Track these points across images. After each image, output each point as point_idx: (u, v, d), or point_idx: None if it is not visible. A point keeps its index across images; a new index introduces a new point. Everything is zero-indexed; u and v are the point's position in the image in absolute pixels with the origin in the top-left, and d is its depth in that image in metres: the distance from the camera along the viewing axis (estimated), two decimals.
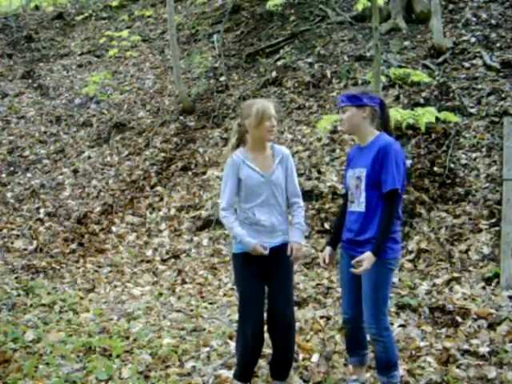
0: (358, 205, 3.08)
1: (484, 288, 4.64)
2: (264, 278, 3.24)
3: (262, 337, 3.24)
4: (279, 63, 9.09)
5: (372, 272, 3.00)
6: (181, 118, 8.92)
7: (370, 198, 3.04)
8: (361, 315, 3.25)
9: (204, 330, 4.39)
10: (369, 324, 3.07)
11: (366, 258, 2.93)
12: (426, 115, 5.38)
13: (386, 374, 3.14)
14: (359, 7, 6.46)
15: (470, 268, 4.94)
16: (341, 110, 3.21)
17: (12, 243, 6.90)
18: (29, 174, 8.59)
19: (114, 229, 7.05)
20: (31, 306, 5.03)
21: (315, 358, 3.78)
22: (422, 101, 6.92)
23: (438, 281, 4.82)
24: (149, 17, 12.64)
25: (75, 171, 8.41)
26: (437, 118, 5.76)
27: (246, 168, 3.20)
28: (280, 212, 3.25)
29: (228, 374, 3.63)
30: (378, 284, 3.04)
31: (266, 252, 3.13)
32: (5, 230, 7.20)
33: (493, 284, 4.67)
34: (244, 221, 3.23)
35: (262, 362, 3.56)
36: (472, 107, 6.71)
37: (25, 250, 6.75)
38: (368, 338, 3.36)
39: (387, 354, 3.09)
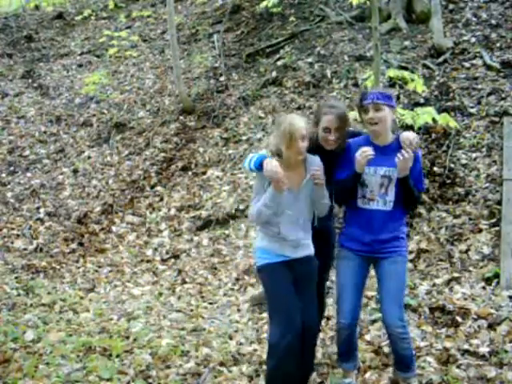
0: (385, 203, 3.11)
1: (484, 288, 4.64)
2: (293, 286, 3.13)
3: (298, 345, 3.03)
4: (279, 63, 9.09)
5: (400, 270, 3.11)
6: (181, 117, 8.92)
7: (398, 197, 3.10)
8: (357, 319, 3.25)
9: (204, 329, 4.40)
10: (396, 322, 3.05)
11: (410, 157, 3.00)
12: (423, 117, 5.37)
13: (411, 369, 3.20)
14: (354, 2, 6.47)
15: (470, 268, 4.94)
16: (372, 107, 3.08)
17: (12, 243, 6.90)
18: (29, 174, 8.59)
19: (114, 229, 7.05)
20: (31, 305, 5.03)
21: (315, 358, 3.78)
22: (422, 101, 6.92)
23: (438, 281, 4.82)
24: (148, 17, 12.62)
25: (75, 171, 8.41)
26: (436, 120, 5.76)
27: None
28: (304, 227, 3.18)
29: (228, 374, 3.64)
30: (404, 282, 3.17)
31: (279, 172, 2.97)
32: (5, 230, 7.19)
33: (493, 284, 4.66)
34: (268, 232, 3.17)
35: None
36: (472, 107, 6.71)
37: (25, 249, 6.75)
38: (362, 339, 3.36)
39: (411, 350, 3.15)
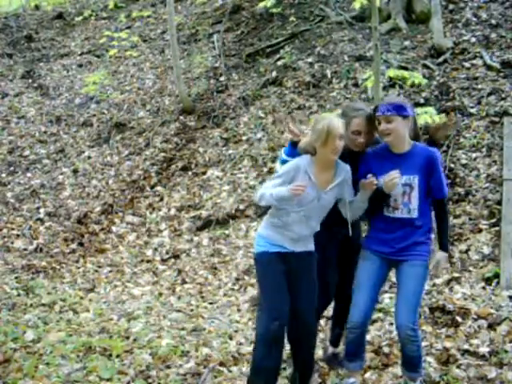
0: (409, 211, 3.13)
1: (484, 288, 4.64)
2: (287, 280, 3.14)
3: (283, 337, 3.10)
4: (279, 63, 9.09)
5: (422, 274, 3.13)
6: (181, 117, 8.92)
7: (421, 204, 3.13)
8: (369, 320, 3.26)
9: (204, 329, 4.39)
10: (408, 324, 3.05)
11: (442, 258, 3.17)
12: (423, 116, 5.39)
13: (418, 370, 3.21)
14: (356, 5, 6.48)
15: (470, 268, 4.94)
16: (383, 119, 3.11)
17: (12, 243, 6.90)
18: (29, 174, 8.59)
19: (114, 229, 7.05)
20: (31, 305, 5.02)
21: (316, 358, 3.78)
22: (422, 101, 6.92)
23: (438, 281, 4.82)
24: (148, 17, 12.61)
25: (75, 171, 8.41)
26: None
27: (306, 177, 3.08)
28: (311, 226, 3.18)
29: (228, 373, 3.64)
30: (422, 286, 3.15)
31: (305, 184, 2.98)
32: (5, 230, 7.19)
33: (493, 284, 4.67)
34: (274, 221, 3.17)
35: None
36: (472, 107, 6.71)
37: (25, 250, 6.75)
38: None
39: (419, 352, 3.15)
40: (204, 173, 7.61)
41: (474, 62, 7.45)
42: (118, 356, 3.87)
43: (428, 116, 5.55)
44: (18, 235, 7.09)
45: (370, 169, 3.18)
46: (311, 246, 3.24)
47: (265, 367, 3.07)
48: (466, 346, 3.79)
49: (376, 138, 3.37)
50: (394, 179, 3.05)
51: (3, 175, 8.63)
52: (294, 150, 3.20)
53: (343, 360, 3.41)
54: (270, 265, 3.14)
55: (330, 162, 3.12)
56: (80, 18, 13.45)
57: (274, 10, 10.27)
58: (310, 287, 3.22)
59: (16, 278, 5.87)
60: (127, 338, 4.22)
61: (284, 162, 3.22)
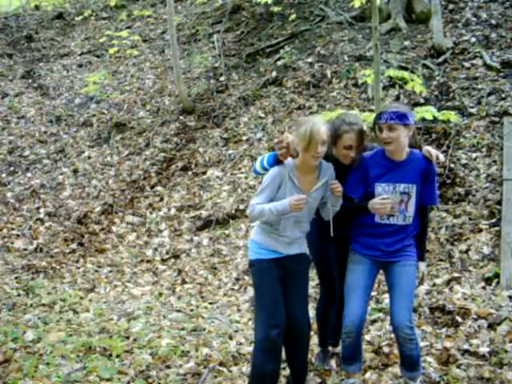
0: (404, 219, 3.15)
1: (484, 288, 4.64)
2: (282, 284, 3.14)
3: (282, 342, 3.08)
4: (279, 63, 9.09)
5: (413, 272, 3.16)
6: (181, 117, 8.93)
7: (415, 212, 3.16)
8: (363, 322, 3.25)
9: (204, 329, 4.39)
10: (406, 324, 3.05)
11: (425, 269, 3.32)
12: (423, 114, 5.40)
13: (417, 369, 3.22)
14: (356, 4, 6.47)
15: (470, 268, 4.94)
16: (385, 127, 3.08)
17: (12, 243, 6.90)
18: (29, 174, 8.59)
19: (114, 229, 7.05)
20: (31, 305, 5.03)
21: (315, 358, 3.78)
22: (422, 101, 6.92)
23: (438, 281, 4.82)
24: (149, 17, 12.62)
25: (75, 171, 8.41)
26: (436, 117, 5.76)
27: (290, 183, 3.07)
28: (302, 228, 3.18)
29: (228, 373, 3.64)
30: (414, 284, 3.19)
31: (304, 197, 2.96)
32: (5, 230, 7.19)
33: (493, 284, 4.66)
34: (266, 228, 3.16)
35: None
36: (472, 107, 6.71)
37: (25, 249, 6.75)
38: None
39: (417, 351, 3.15)
40: (204, 173, 7.61)
41: (474, 61, 7.45)
42: (118, 356, 3.87)
43: (429, 114, 5.54)
44: (18, 235, 7.09)
45: (368, 174, 3.16)
46: (304, 248, 3.26)
47: (265, 372, 3.07)
48: (465, 346, 3.79)
49: (365, 145, 3.36)
50: (384, 208, 3.06)
51: (3, 175, 8.63)
52: (276, 163, 3.13)
53: (341, 364, 3.40)
54: (265, 272, 3.13)
55: (311, 166, 3.09)
56: (80, 17, 13.46)
57: (275, 10, 10.28)
58: (304, 288, 3.24)
59: (16, 278, 5.87)
60: (127, 337, 4.22)
61: (265, 169, 3.18)
